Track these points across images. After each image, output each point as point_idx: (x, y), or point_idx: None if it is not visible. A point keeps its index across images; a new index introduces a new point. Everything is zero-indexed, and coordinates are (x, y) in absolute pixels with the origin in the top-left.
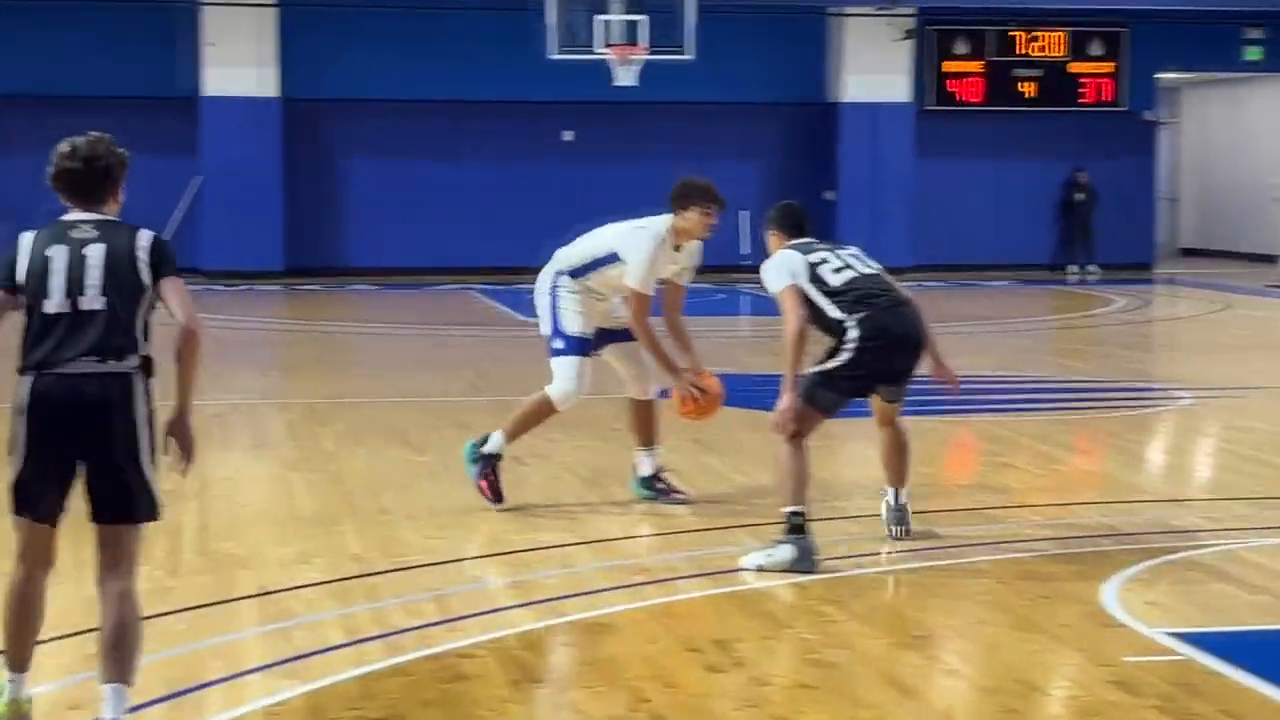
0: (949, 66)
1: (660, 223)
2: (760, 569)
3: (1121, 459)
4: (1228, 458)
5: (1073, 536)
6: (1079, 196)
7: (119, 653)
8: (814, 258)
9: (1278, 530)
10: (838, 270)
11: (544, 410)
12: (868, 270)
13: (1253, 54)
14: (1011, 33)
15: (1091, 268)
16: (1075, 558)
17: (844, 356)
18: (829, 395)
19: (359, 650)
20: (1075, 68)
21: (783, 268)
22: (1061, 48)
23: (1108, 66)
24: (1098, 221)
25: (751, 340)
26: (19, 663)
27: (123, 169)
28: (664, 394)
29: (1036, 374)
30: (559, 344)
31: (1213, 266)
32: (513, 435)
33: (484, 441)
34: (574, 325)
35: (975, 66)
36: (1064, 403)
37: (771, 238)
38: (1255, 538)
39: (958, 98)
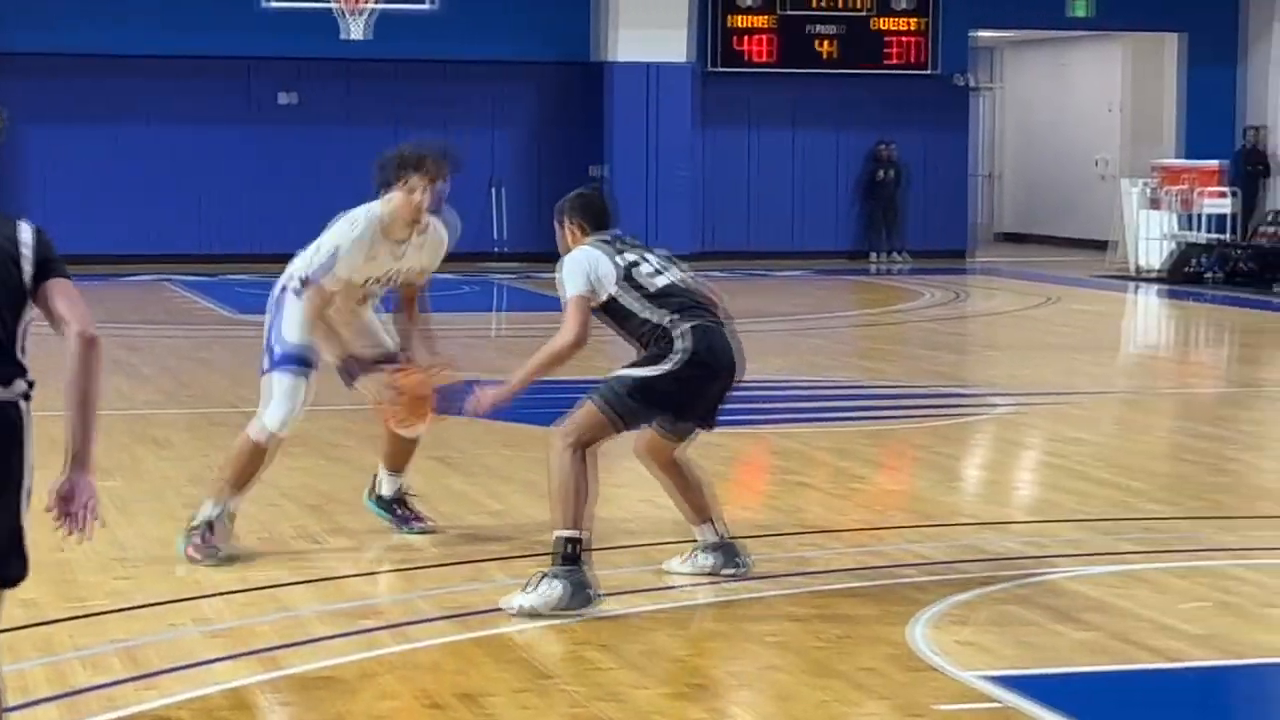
0: (735, 21)
1: (363, 213)
2: (524, 611)
3: (932, 476)
4: (1052, 474)
5: (876, 567)
6: (884, 173)
7: None
8: (629, 257)
9: (1110, 557)
10: (654, 274)
11: (253, 451)
12: (685, 280)
13: (1078, 9)
14: None
15: (898, 255)
16: (879, 591)
17: (669, 366)
18: (636, 406)
19: (31, 715)
20: (880, 24)
21: (580, 270)
22: (865, 2)
23: (917, 23)
24: (906, 202)
25: (506, 341)
26: None
27: None
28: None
29: (835, 378)
30: (266, 360)
31: (1036, 253)
32: (234, 487)
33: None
34: (293, 334)
35: (765, 22)
36: (867, 411)
37: (569, 232)
38: (1084, 566)
39: (745, 57)
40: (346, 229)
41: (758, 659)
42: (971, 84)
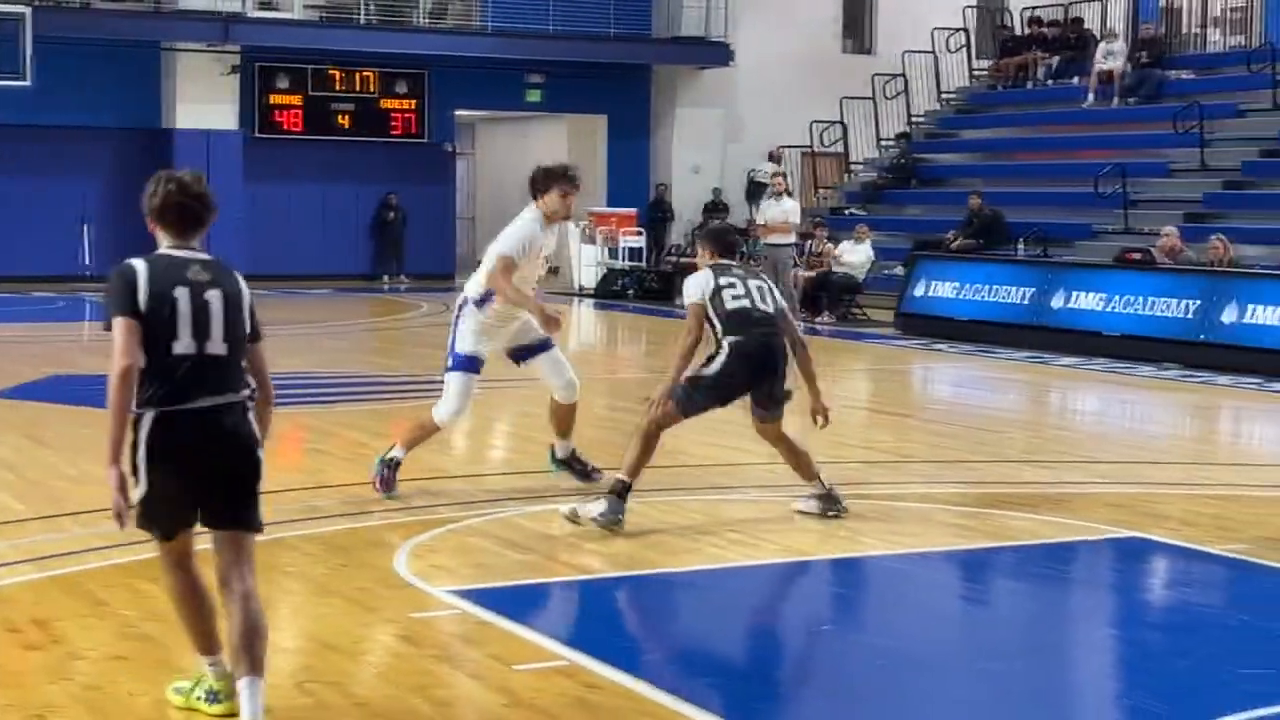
0: (274, 99)
1: (528, 211)
2: (582, 518)
3: (424, 442)
4: (515, 437)
5: (372, 511)
6: (390, 216)
7: (253, 649)
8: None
9: (548, 498)
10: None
11: (429, 429)
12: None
13: (533, 96)
14: (329, 71)
15: (402, 278)
16: (372, 530)
17: (715, 368)
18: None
19: None
20: (385, 104)
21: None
22: (373, 86)
23: (413, 104)
24: (407, 238)
25: (94, 344)
26: (213, 646)
27: (217, 206)
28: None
29: (353, 371)
30: (449, 362)
31: None
32: (405, 447)
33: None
34: (465, 345)
35: (297, 100)
36: (376, 395)
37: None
38: (528, 505)
39: (282, 127)
40: (526, 224)
41: (278, 585)
42: (455, 150)
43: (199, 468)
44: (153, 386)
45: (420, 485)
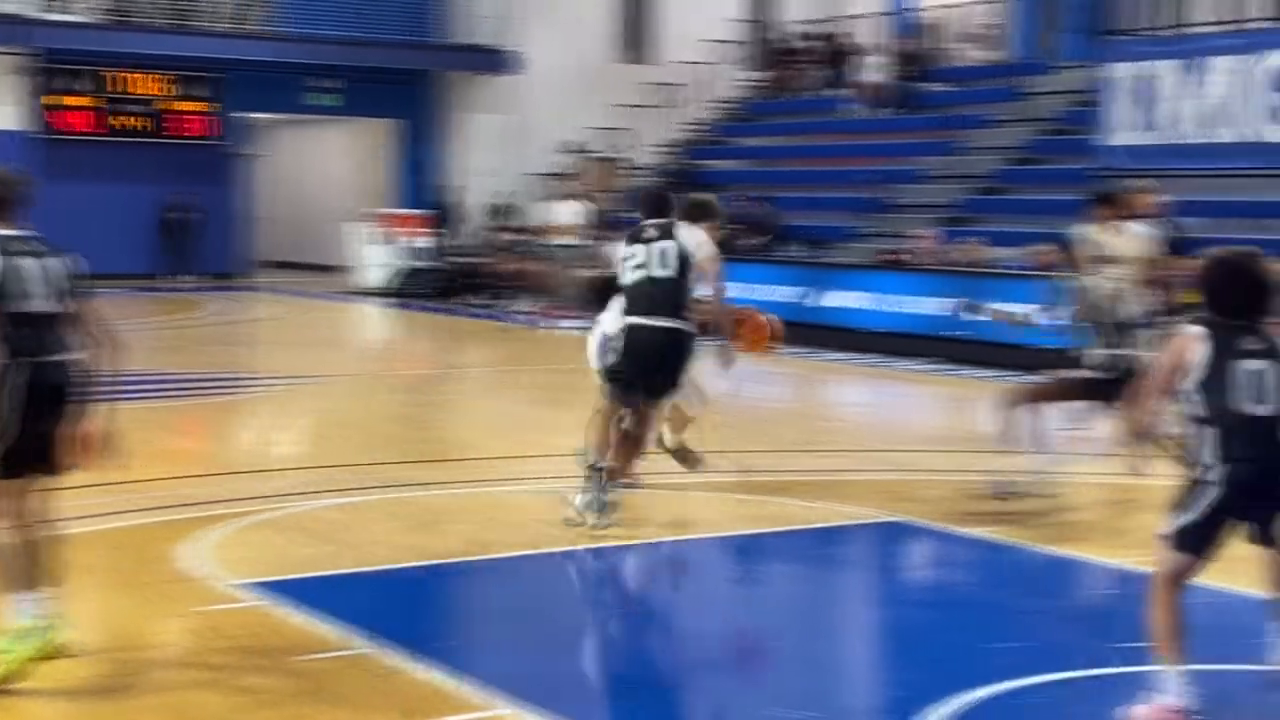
0: (66, 100)
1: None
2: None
3: (215, 439)
4: (307, 433)
5: (167, 507)
6: (182, 216)
7: (45, 563)
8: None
9: (344, 491)
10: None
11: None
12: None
13: (328, 100)
14: (123, 74)
15: (192, 277)
16: (168, 525)
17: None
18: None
19: None
20: (179, 106)
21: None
22: (167, 88)
23: (209, 106)
24: (199, 238)
25: None
26: (31, 582)
27: (22, 177)
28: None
29: (143, 369)
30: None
31: (296, 276)
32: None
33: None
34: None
35: (88, 101)
36: (168, 393)
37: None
38: (326, 499)
39: (75, 128)
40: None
41: (73, 581)
42: (249, 152)
43: (57, 413)
44: (19, 341)
45: (215, 480)
